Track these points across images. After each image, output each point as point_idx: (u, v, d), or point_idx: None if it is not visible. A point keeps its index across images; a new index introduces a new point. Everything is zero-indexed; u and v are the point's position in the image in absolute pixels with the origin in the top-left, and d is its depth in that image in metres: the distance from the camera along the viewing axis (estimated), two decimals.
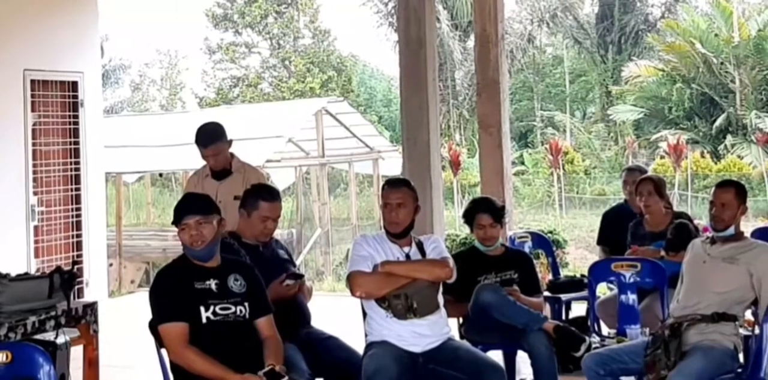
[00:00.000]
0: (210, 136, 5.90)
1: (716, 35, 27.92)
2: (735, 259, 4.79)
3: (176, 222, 4.20)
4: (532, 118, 34.02)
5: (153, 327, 4.23)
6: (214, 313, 4.14)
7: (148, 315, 4.26)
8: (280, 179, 19.17)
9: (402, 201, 4.75)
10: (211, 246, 4.21)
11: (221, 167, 5.94)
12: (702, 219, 7.10)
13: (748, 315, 4.98)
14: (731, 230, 4.87)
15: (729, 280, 4.75)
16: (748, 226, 7.92)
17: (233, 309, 4.19)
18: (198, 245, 4.16)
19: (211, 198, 4.51)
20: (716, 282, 4.76)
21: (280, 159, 16.59)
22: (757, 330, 4.70)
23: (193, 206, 4.26)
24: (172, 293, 4.14)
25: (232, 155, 6.03)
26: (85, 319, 4.90)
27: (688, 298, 4.84)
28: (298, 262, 13.98)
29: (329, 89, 34.22)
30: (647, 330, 5.05)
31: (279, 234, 12.67)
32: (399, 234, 4.77)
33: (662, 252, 5.83)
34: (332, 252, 18.16)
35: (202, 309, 4.12)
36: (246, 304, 4.23)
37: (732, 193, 4.91)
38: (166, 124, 18.68)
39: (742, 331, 4.83)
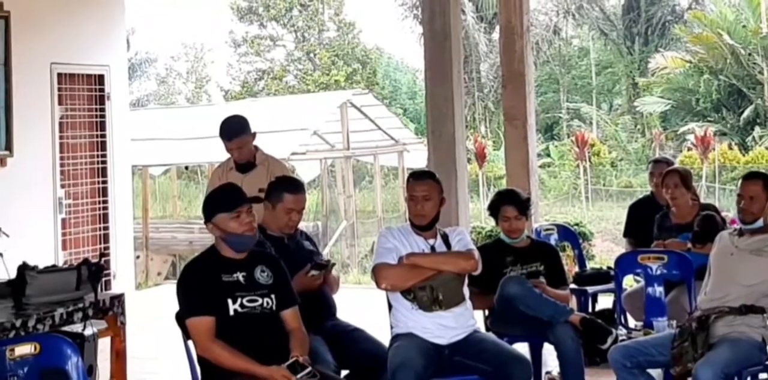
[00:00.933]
0: (234, 129, 5.92)
1: (744, 26, 27.69)
2: (763, 251, 4.76)
3: (226, 209, 4.20)
4: (558, 110, 33.88)
5: (180, 319, 4.25)
6: (242, 305, 4.16)
7: (174, 307, 4.28)
8: (305, 171, 19.21)
9: (427, 193, 4.74)
10: (257, 235, 4.29)
11: (245, 160, 5.95)
12: (729, 212, 7.06)
13: None
14: (760, 222, 4.84)
15: (757, 273, 4.72)
16: None
17: (260, 301, 4.20)
18: (252, 232, 4.22)
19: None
20: (744, 275, 4.73)
21: (305, 151, 16.62)
22: None
23: (242, 194, 4.31)
24: (200, 286, 4.16)
25: (256, 148, 6.04)
26: (112, 311, 4.92)
27: (715, 291, 4.80)
28: (324, 254, 14.03)
29: (354, 82, 34.23)
30: (674, 322, 5.03)
31: (304, 226, 12.70)
32: (424, 226, 4.77)
33: (689, 245, 5.79)
34: (357, 244, 18.18)
35: (230, 301, 4.14)
36: (272, 296, 4.24)
37: (760, 185, 4.87)
38: (191, 117, 18.77)
39: None
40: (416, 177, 4.88)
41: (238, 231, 4.19)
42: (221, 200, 4.29)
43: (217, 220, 4.21)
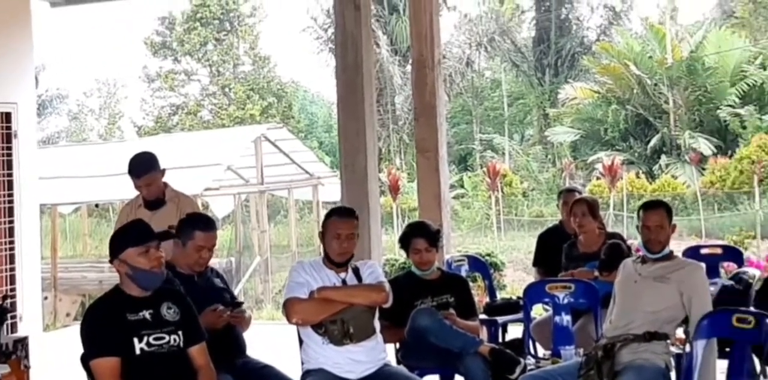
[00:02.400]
0: (142, 166, 5.88)
1: (650, 57, 28.43)
2: (665, 278, 4.86)
3: (136, 244, 4.14)
4: (471, 142, 34.26)
5: (85, 361, 4.17)
6: (148, 344, 4.10)
7: (81, 349, 4.21)
8: (219, 207, 19.10)
9: (351, 232, 4.80)
10: (163, 271, 4.24)
11: (154, 197, 5.91)
12: (636, 239, 7.20)
13: (680, 333, 5.05)
14: (666, 250, 4.95)
15: (660, 299, 4.81)
16: (682, 245, 8.07)
17: (167, 338, 4.16)
18: (159, 269, 4.17)
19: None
20: (647, 302, 4.82)
21: (219, 187, 16.50)
22: (687, 348, 4.76)
23: (152, 231, 4.27)
24: (104, 326, 4.10)
25: (165, 184, 6.00)
26: (15, 355, 4.83)
27: (620, 318, 4.89)
28: (236, 291, 13.92)
29: (270, 115, 34.18)
30: (581, 350, 5.10)
31: (217, 262, 12.63)
32: (343, 263, 4.80)
33: (596, 273, 5.90)
34: (272, 279, 18.04)
35: (136, 340, 4.08)
36: (180, 333, 4.20)
37: (663, 213, 4.97)
38: (103, 154, 18.50)
39: (673, 349, 4.90)
40: (341, 215, 4.91)
41: (146, 266, 4.13)
42: (130, 235, 4.24)
43: (125, 256, 4.15)
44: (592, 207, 6.34)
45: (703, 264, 5.23)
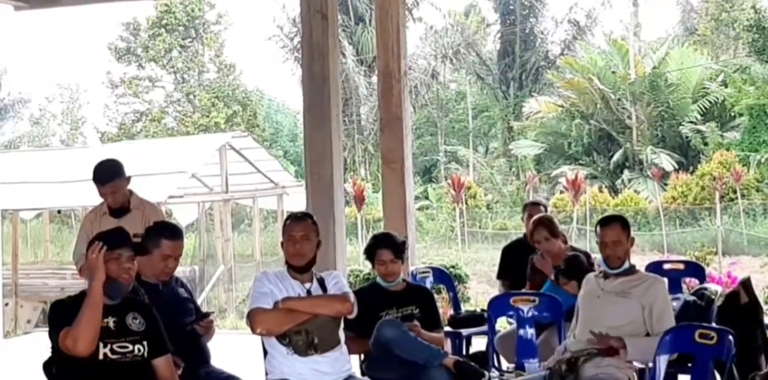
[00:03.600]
0: (107, 174, 5.84)
1: (613, 72, 28.74)
2: (627, 293, 4.89)
3: (110, 248, 4.11)
4: (436, 153, 34.38)
5: (47, 367, 4.13)
6: (112, 351, 4.08)
7: (44, 355, 4.16)
8: (182, 215, 18.99)
9: (306, 233, 4.78)
10: (131, 285, 4.20)
11: (119, 204, 5.88)
12: (598, 254, 7.23)
13: None
14: (626, 265, 4.98)
15: (622, 315, 4.85)
16: (644, 260, 8.13)
17: (131, 347, 4.13)
18: (126, 279, 4.15)
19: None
20: (610, 317, 4.85)
21: (183, 195, 16.41)
22: (650, 364, 4.80)
23: (127, 238, 4.24)
24: (70, 323, 4.01)
25: (130, 192, 5.97)
26: None
27: (583, 333, 4.92)
28: (200, 300, 13.83)
29: (234, 124, 34.08)
30: (545, 364, 5.12)
31: (181, 271, 12.53)
32: (301, 268, 4.78)
33: (551, 277, 5.93)
34: (235, 289, 17.96)
35: (100, 345, 4.04)
36: (144, 343, 4.17)
37: (619, 229, 4.99)
38: (66, 160, 18.32)
39: (636, 364, 4.93)
40: (294, 218, 4.90)
41: (114, 274, 4.11)
42: (105, 239, 4.20)
43: None
44: (551, 229, 6.27)
45: (666, 279, 5.27)
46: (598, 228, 5.06)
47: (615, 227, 5.00)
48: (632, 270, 5.03)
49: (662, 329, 4.79)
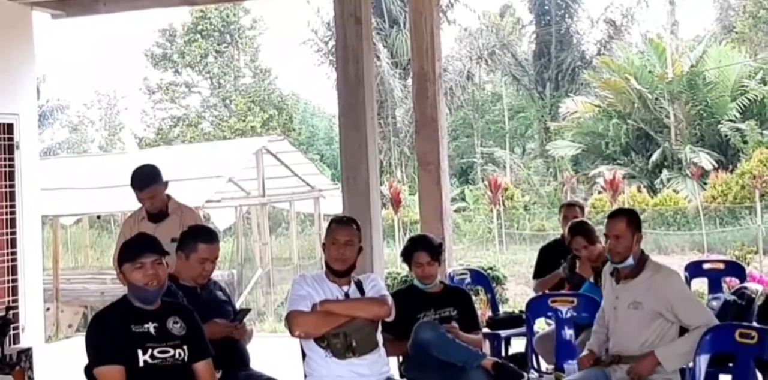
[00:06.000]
0: (145, 179, 5.89)
1: (650, 71, 28.49)
2: (638, 304, 4.80)
3: (129, 259, 4.15)
4: (472, 155, 34.29)
5: (88, 372, 4.17)
6: (152, 356, 4.09)
7: (85, 360, 4.20)
8: (220, 219, 19.10)
9: (350, 239, 4.79)
10: (164, 287, 4.21)
11: (158, 209, 5.92)
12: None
13: None
14: (630, 261, 4.85)
15: (642, 329, 4.79)
16: (684, 260, 8.07)
17: (172, 352, 4.14)
18: (153, 285, 4.14)
19: (157, 239, 4.50)
20: (633, 333, 4.80)
21: (220, 199, 16.51)
22: (690, 364, 4.75)
23: (150, 245, 4.25)
24: (109, 336, 4.09)
25: (168, 197, 6.01)
26: (19, 366, 4.83)
27: (616, 340, 4.86)
28: (238, 303, 13.90)
29: (270, 128, 34.21)
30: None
31: (219, 275, 12.61)
32: (341, 272, 4.78)
33: (591, 278, 5.89)
34: (273, 292, 18.04)
35: (140, 352, 4.07)
36: (185, 347, 4.19)
37: (624, 223, 4.85)
38: (104, 166, 18.52)
39: None
40: (339, 222, 4.91)
41: (140, 282, 4.13)
42: (126, 250, 4.25)
43: (123, 269, 4.19)
44: (588, 236, 6.14)
45: (679, 272, 5.13)
46: (606, 221, 4.97)
47: (620, 221, 4.87)
48: (639, 267, 4.86)
49: (695, 318, 4.73)
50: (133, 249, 4.22)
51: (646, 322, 4.76)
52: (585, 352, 5.05)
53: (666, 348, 4.71)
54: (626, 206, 21.71)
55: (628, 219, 4.91)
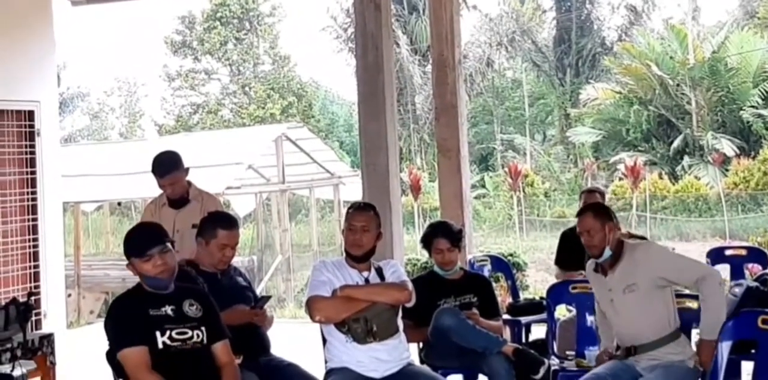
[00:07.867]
0: (166, 166, 5.89)
1: (671, 58, 28.30)
2: (632, 285, 4.76)
3: (138, 254, 4.15)
4: (492, 141, 34.21)
5: (110, 357, 4.19)
6: (171, 338, 4.11)
7: (106, 345, 4.22)
8: (240, 206, 19.15)
9: (366, 224, 4.78)
10: (175, 272, 4.22)
11: (178, 196, 5.93)
12: (660, 241, 7.16)
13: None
14: (608, 252, 4.83)
15: (646, 308, 4.74)
16: (706, 246, 8.03)
17: (190, 333, 4.16)
18: (165, 275, 4.16)
19: (160, 225, 4.52)
20: (639, 317, 4.75)
21: (240, 186, 16.55)
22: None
23: (153, 236, 4.24)
24: (128, 320, 4.11)
25: (189, 183, 6.01)
26: (41, 351, 4.86)
27: (625, 332, 4.82)
28: (258, 289, 13.94)
29: (290, 115, 34.26)
30: None
31: (239, 261, 12.65)
32: (360, 257, 4.78)
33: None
34: (293, 278, 18.09)
35: (158, 334, 4.09)
36: (203, 329, 4.21)
37: (590, 217, 4.86)
38: (125, 153, 18.61)
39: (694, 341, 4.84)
40: (357, 208, 4.91)
41: (151, 274, 4.15)
42: (132, 244, 4.24)
43: (132, 262, 4.20)
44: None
45: (653, 242, 5.07)
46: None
47: (586, 216, 4.89)
48: (619, 252, 4.84)
49: (690, 273, 4.69)
50: (138, 243, 4.21)
51: (646, 301, 4.74)
52: (599, 350, 5.06)
53: (705, 327, 4.66)
54: (647, 193, 21.64)
55: (594, 212, 4.92)
